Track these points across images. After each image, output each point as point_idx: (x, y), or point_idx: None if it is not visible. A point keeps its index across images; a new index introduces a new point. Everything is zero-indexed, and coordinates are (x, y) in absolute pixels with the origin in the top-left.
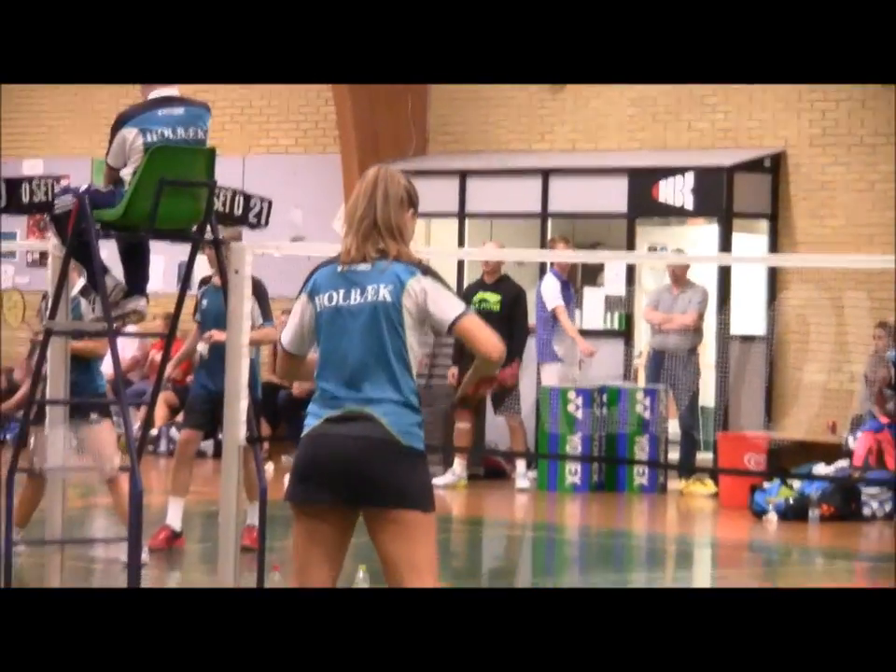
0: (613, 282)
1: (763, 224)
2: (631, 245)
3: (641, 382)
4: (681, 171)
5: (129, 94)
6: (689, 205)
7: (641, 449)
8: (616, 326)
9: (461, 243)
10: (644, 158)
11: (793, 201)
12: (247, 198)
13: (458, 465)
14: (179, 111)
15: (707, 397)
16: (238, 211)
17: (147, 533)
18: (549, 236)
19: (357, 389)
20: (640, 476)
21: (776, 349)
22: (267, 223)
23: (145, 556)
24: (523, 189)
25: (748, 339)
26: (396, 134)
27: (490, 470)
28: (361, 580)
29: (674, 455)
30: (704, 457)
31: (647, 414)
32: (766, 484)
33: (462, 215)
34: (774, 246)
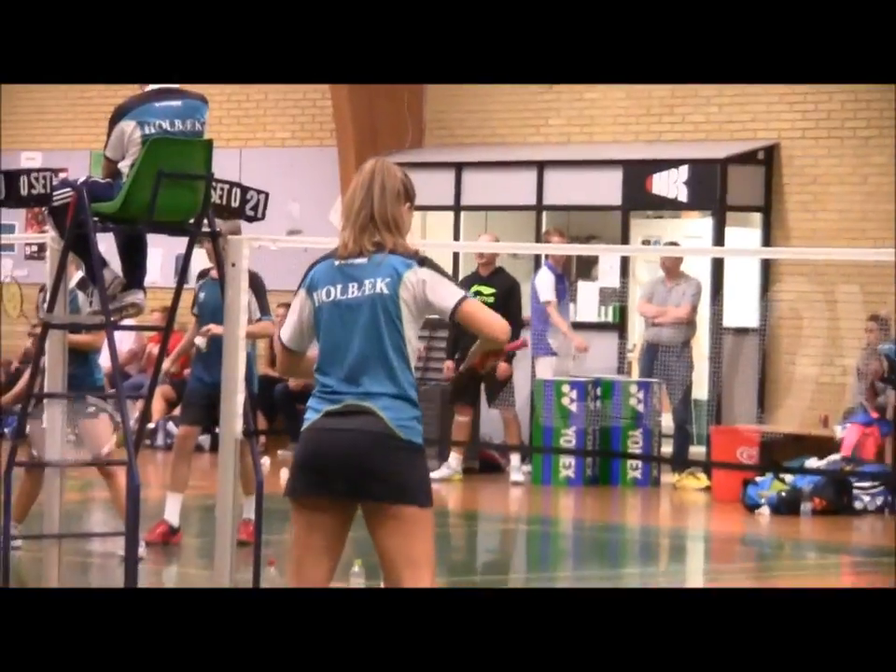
0: (607, 275)
1: (757, 217)
2: (625, 238)
3: (635, 375)
4: (675, 163)
5: (126, 86)
6: (683, 198)
7: (635, 443)
8: (610, 318)
9: (457, 235)
10: (638, 150)
11: (787, 193)
12: (244, 191)
13: (454, 459)
14: (177, 103)
15: (701, 389)
16: (235, 204)
17: (145, 527)
18: (544, 229)
19: (356, 384)
20: (634, 470)
21: (768, 342)
22: (264, 216)
23: (142, 551)
24: (518, 182)
25: (741, 331)
26: (392, 127)
27: (485, 464)
28: (356, 574)
29: (667, 449)
30: (697, 451)
31: (640, 408)
32: (759, 478)
33: (458, 207)
34: (767, 239)
